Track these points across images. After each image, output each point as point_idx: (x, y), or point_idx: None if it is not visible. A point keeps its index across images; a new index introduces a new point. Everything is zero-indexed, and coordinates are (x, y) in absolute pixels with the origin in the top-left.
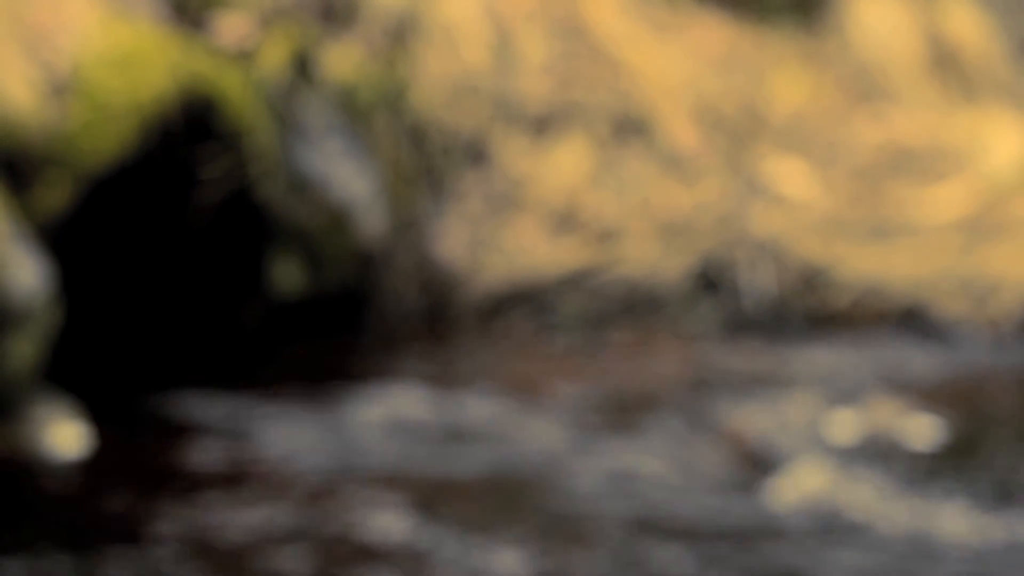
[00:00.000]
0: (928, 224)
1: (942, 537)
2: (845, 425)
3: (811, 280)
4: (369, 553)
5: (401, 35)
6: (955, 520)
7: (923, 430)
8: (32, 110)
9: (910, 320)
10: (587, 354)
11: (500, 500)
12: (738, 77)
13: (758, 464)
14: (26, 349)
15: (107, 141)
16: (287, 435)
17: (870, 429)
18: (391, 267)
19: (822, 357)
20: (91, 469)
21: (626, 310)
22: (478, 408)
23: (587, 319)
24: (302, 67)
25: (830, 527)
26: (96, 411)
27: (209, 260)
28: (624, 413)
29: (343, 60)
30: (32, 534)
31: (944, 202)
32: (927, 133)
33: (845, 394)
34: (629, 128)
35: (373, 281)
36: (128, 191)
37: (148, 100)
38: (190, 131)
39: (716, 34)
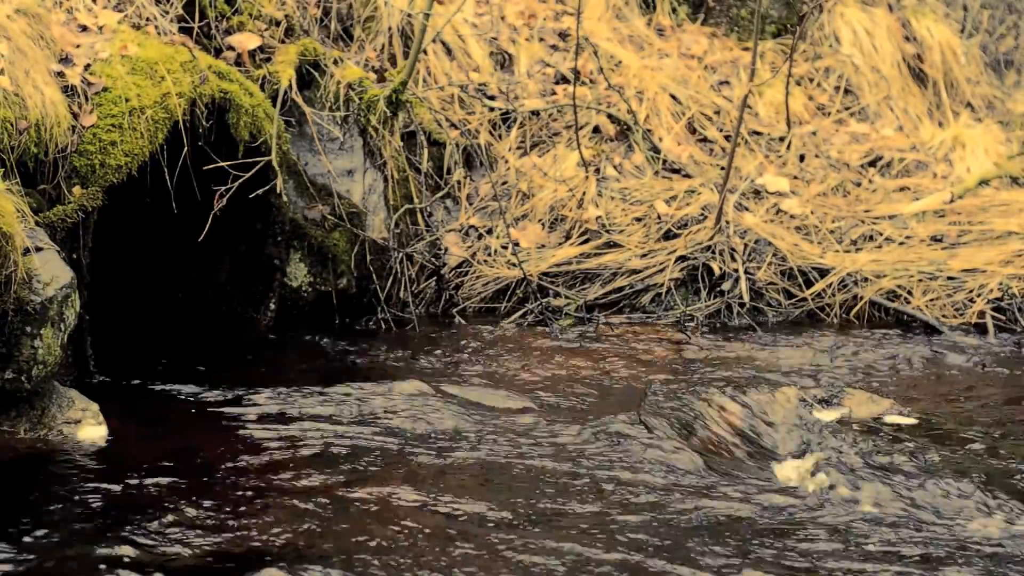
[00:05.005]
0: (905, 227)
1: (922, 512)
2: (828, 412)
3: (794, 278)
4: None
5: (404, 45)
6: (930, 495)
7: (897, 416)
8: (60, 115)
9: (887, 316)
10: (585, 348)
11: (516, 481)
12: (727, 87)
13: (751, 445)
14: (51, 343)
15: (131, 146)
16: (284, 421)
17: (850, 415)
18: (396, 265)
19: (804, 350)
20: (115, 454)
21: (620, 305)
22: (477, 402)
23: (583, 315)
24: (312, 77)
25: (822, 502)
26: (116, 400)
27: (225, 258)
28: (624, 405)
29: (350, 70)
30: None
31: (920, 207)
32: (906, 142)
33: (827, 383)
34: (624, 133)
35: (379, 278)
36: (150, 193)
37: (170, 108)
38: (209, 137)
39: (707, 46)
